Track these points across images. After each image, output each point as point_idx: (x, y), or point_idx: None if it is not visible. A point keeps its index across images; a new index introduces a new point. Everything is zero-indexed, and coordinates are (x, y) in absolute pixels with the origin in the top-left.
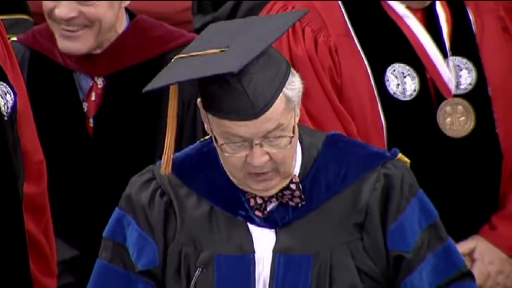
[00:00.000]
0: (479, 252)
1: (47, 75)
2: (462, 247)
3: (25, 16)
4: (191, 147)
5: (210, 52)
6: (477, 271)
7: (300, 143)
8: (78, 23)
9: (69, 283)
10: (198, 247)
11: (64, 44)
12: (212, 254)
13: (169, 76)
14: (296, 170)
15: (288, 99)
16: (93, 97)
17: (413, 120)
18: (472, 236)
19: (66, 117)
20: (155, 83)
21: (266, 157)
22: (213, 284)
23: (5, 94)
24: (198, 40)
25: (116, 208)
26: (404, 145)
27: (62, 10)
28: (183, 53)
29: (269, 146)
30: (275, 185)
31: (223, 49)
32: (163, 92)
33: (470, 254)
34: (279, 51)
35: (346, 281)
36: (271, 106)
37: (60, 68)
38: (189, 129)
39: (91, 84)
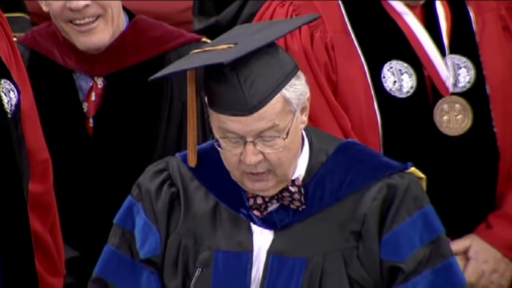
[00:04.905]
0: (473, 250)
1: (47, 76)
2: (457, 245)
3: (21, 14)
4: (207, 142)
5: (219, 47)
6: (471, 269)
7: (310, 147)
8: (92, 12)
9: (69, 284)
10: (199, 241)
11: (84, 40)
12: (211, 250)
13: (172, 67)
14: (301, 174)
15: (286, 101)
16: (93, 97)
17: (409, 118)
18: (468, 235)
19: (66, 117)
20: (159, 74)
21: (260, 157)
22: (210, 280)
23: (9, 91)
24: (219, 38)
25: (128, 196)
26: (400, 143)
27: (76, 1)
28: (200, 48)
29: (263, 146)
30: (271, 187)
31: (231, 46)
32: (162, 92)
33: (465, 252)
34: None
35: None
36: (265, 104)
37: (60, 68)
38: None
39: (91, 84)
